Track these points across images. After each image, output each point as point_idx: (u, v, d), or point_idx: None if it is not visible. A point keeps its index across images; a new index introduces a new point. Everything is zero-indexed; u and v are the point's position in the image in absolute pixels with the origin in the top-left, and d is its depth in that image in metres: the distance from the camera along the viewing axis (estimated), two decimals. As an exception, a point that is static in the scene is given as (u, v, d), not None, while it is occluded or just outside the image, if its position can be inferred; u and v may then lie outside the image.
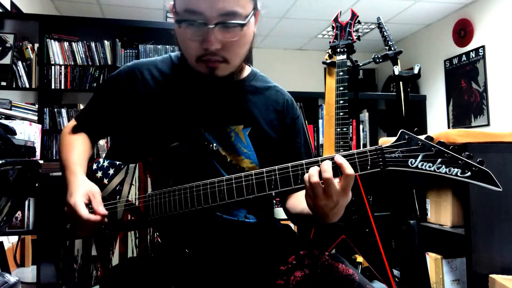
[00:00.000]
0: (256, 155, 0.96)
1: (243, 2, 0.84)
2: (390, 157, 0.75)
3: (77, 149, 0.98)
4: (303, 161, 0.79)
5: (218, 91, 0.97)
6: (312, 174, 0.75)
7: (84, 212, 0.83)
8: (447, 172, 0.71)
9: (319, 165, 0.76)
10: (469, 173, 0.70)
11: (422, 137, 0.75)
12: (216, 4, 0.81)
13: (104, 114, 1.02)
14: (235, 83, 0.99)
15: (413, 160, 0.74)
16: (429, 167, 0.73)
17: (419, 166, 0.73)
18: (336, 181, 0.74)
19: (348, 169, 0.74)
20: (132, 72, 0.99)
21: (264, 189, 0.81)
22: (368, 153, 0.76)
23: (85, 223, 0.83)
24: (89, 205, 0.85)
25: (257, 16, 0.92)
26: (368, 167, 0.76)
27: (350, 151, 0.77)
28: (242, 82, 1.01)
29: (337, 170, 0.75)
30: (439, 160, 0.72)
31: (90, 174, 0.96)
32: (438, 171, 0.72)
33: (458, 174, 0.71)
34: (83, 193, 0.85)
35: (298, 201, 0.94)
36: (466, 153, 0.71)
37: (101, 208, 0.85)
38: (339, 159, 0.75)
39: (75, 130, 1.04)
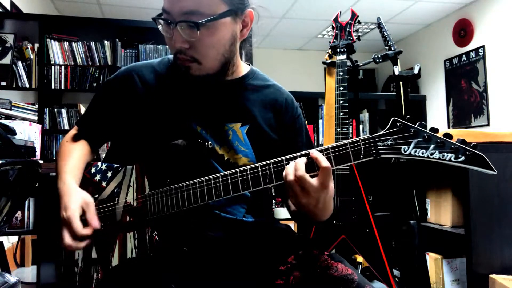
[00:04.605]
0: (254, 153, 0.96)
1: (208, 1, 0.83)
2: (382, 145, 0.75)
3: (72, 157, 0.97)
4: (297, 154, 0.79)
5: (215, 90, 0.97)
6: (288, 173, 0.75)
7: (78, 227, 0.82)
8: (441, 157, 0.70)
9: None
10: (463, 158, 0.69)
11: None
12: (178, 3, 0.83)
13: (104, 118, 1.02)
14: (233, 81, 0.99)
15: (406, 147, 0.73)
16: (422, 153, 0.72)
17: (412, 153, 0.72)
18: (314, 179, 0.74)
19: (324, 162, 0.74)
20: (129, 74, 1.00)
21: (260, 183, 0.81)
22: (361, 142, 0.76)
23: (78, 238, 0.83)
24: (83, 216, 0.85)
25: (245, 17, 0.91)
26: (361, 156, 0.75)
27: (343, 141, 0.77)
28: (240, 80, 1.00)
29: (314, 165, 0.75)
30: (432, 146, 0.71)
31: (89, 178, 0.96)
32: (431, 157, 0.71)
33: (452, 159, 0.70)
34: (77, 206, 0.85)
35: None
36: (459, 138, 0.70)
37: (94, 221, 0.85)
38: (314, 153, 0.75)
39: (74, 138, 1.04)
